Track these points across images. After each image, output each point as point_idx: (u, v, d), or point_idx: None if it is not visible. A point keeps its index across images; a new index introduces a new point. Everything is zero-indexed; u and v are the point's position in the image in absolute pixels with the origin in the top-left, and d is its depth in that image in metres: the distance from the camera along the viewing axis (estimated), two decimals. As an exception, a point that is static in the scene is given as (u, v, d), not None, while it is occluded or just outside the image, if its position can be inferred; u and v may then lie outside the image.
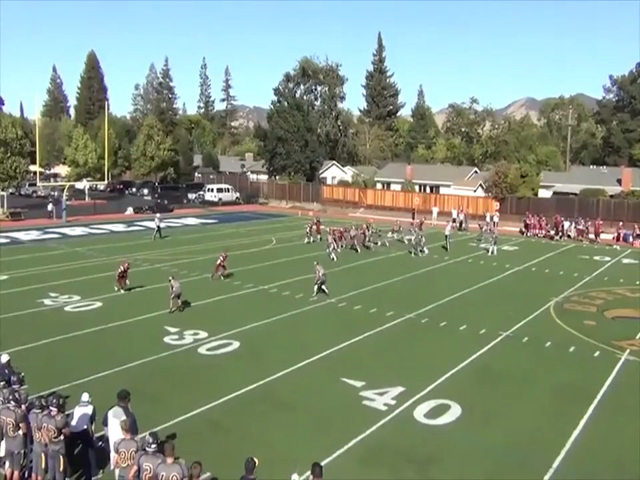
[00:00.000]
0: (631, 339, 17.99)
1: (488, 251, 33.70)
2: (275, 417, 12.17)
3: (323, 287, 22.17)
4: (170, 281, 19.87)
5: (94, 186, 64.28)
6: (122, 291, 22.24)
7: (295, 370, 14.74)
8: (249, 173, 79.70)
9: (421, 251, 32.65)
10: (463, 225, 45.86)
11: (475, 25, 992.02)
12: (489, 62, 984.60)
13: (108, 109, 56.83)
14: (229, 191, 62.04)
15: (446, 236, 35.43)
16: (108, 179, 58.94)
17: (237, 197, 62.22)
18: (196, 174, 76.27)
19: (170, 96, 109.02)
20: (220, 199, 60.18)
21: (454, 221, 47.02)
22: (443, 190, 60.39)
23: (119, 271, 22.31)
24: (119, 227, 41.39)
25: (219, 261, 24.95)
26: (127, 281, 22.52)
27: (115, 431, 9.29)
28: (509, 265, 30.05)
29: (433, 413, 12.44)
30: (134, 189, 68.52)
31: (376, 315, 19.96)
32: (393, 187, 64.01)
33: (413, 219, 49.32)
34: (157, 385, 13.66)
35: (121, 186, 70.28)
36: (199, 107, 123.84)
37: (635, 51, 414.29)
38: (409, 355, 16.14)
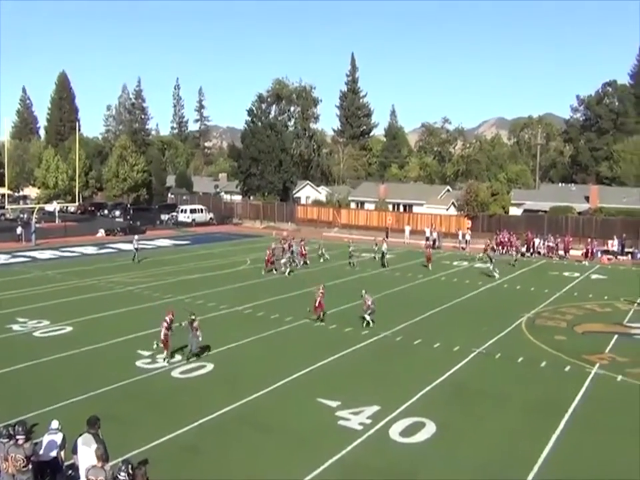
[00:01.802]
0: (601, 352, 18.39)
1: (495, 276, 32.13)
2: (251, 439, 12.11)
3: (369, 317, 20.89)
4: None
5: (64, 208, 63.45)
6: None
7: (270, 391, 14.70)
8: (222, 193, 79.62)
9: (382, 264, 35.10)
10: (437, 243, 46.35)
11: (447, 45, 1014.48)
12: (460, 82, 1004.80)
13: (79, 130, 56.54)
14: (202, 212, 61.83)
15: (383, 252, 35.72)
16: (79, 200, 58.27)
17: (210, 218, 62.02)
18: (169, 195, 75.87)
19: (142, 116, 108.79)
20: (193, 220, 59.91)
21: (427, 239, 47.55)
22: (416, 209, 61.15)
23: (165, 325, 17.12)
24: (90, 250, 40.87)
25: (319, 298, 21.75)
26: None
27: (84, 458, 9.14)
28: (482, 282, 30.49)
29: (408, 431, 12.52)
30: (106, 211, 67.78)
31: (351, 333, 20.04)
32: (366, 206, 64.55)
33: (387, 237, 49.73)
34: (129, 409, 13.48)
35: (93, 208, 69.45)
36: (172, 128, 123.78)
37: (601, 72, 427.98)
38: (384, 374, 16.23)
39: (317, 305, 21.54)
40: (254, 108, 78.95)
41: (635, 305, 25.87)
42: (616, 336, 20.46)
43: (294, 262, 34.11)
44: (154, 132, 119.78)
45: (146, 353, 17.45)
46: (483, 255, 37.59)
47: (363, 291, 21.94)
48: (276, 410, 13.61)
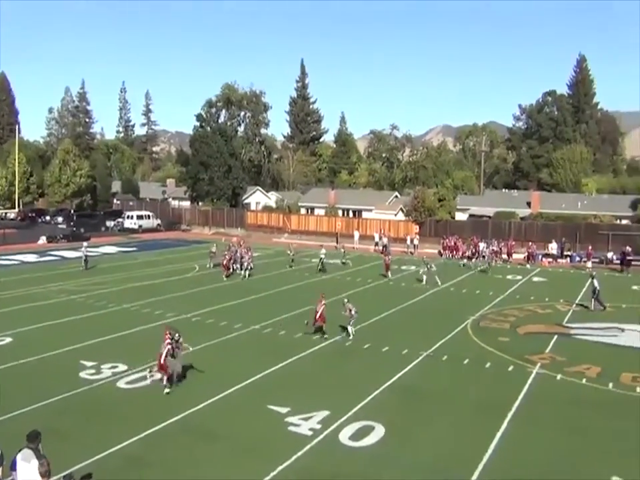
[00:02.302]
0: (542, 353, 19.06)
1: (421, 281, 32.11)
2: (199, 448, 11.95)
3: (350, 328, 20.40)
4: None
5: (3, 215, 60.96)
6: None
7: (219, 399, 14.54)
8: (170, 199, 78.33)
9: (290, 266, 36.16)
10: (387, 249, 46.70)
11: (395, 54, 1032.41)
12: (408, 90, 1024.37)
13: (19, 133, 54.46)
14: (149, 218, 60.64)
15: (320, 258, 35.89)
16: (19, 206, 56.14)
17: (158, 224, 60.89)
18: (114, 200, 74.06)
19: (87, 120, 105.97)
20: (140, 226, 58.68)
21: (376, 244, 48.17)
22: (365, 214, 61.79)
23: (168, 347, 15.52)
24: (31, 257, 39.42)
25: (320, 310, 20.61)
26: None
27: (23, 475, 8.81)
28: (429, 286, 31.09)
29: (357, 435, 12.63)
30: (48, 217, 65.53)
31: (301, 339, 20.06)
32: (316, 211, 64.80)
33: (337, 243, 50.11)
34: (72, 422, 13.06)
35: (34, 214, 66.97)
36: (118, 132, 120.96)
37: (541, 82, 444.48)
38: (335, 378, 16.32)
39: (317, 316, 20.37)
40: (203, 113, 78.29)
41: (574, 306, 26.96)
42: (556, 336, 21.26)
43: (241, 268, 33.99)
44: (99, 136, 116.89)
45: (89, 364, 16.96)
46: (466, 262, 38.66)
47: (345, 300, 21.14)
48: (225, 418, 13.48)
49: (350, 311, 20.38)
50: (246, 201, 71.72)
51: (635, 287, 32.57)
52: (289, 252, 38.32)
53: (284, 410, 13.80)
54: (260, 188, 77.90)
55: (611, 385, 16.04)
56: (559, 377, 16.70)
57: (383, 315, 24.22)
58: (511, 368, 17.46)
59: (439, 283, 31.42)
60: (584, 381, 16.39)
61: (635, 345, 20.50)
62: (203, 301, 26.05)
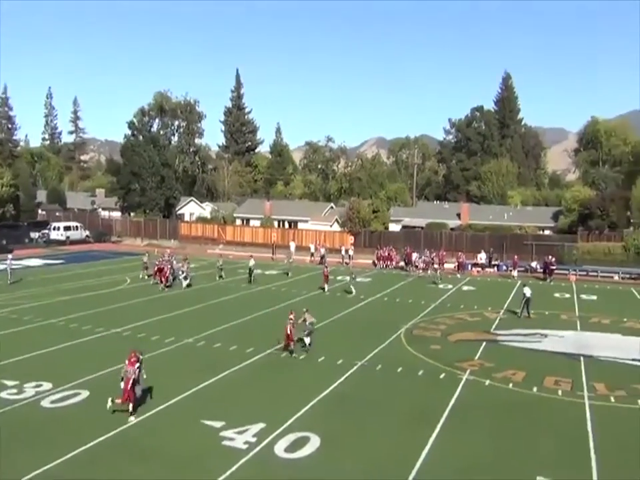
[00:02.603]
0: (471, 359, 19.73)
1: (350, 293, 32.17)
2: (130, 468, 11.59)
3: (307, 339, 19.94)
4: None
5: None
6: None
7: (150, 416, 14.17)
8: (100, 209, 75.86)
9: (220, 276, 35.81)
10: (324, 259, 46.80)
11: (331, 67, 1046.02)
12: (343, 103, 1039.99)
13: None
14: (77, 229, 58.43)
15: (250, 269, 35.53)
16: None
17: (87, 235, 58.77)
18: (39, 211, 70.95)
19: (10, 126, 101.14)
20: (68, 238, 56.46)
21: (312, 255, 48.41)
22: (301, 225, 62.09)
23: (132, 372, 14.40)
24: (-53, 271, 37.04)
25: (289, 327, 19.64)
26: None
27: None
28: (364, 296, 31.56)
29: (293, 447, 12.62)
30: (-34, 229, 61.82)
31: (236, 352, 19.86)
32: (252, 222, 64.56)
33: (274, 254, 50.03)
34: (-8, 445, 12.38)
35: (-50, 225, 63.07)
36: (44, 139, 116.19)
37: (470, 97, 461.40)
38: (270, 390, 16.25)
39: (287, 334, 19.55)
40: (135, 121, 76.42)
41: (501, 313, 28.06)
42: (484, 343, 22.05)
43: (174, 279, 33.47)
44: (23, 143, 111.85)
45: (11, 383, 16.13)
46: (431, 273, 39.09)
47: (304, 309, 20.97)
48: (157, 435, 13.16)
49: (305, 320, 20.18)
50: (180, 212, 70.47)
51: (556, 295, 34.27)
52: (218, 263, 37.85)
53: (218, 424, 13.61)
54: (194, 199, 76.77)
55: (535, 388, 16.79)
56: (487, 382, 17.32)
57: (318, 325, 24.28)
58: (442, 375, 17.95)
59: (353, 292, 32.02)
60: (510, 385, 17.07)
61: (557, 349, 21.57)
62: (134, 314, 25.33)
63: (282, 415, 14.19)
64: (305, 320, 20.25)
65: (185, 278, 33.31)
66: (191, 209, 73.53)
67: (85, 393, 15.58)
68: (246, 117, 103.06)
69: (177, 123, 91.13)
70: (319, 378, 17.31)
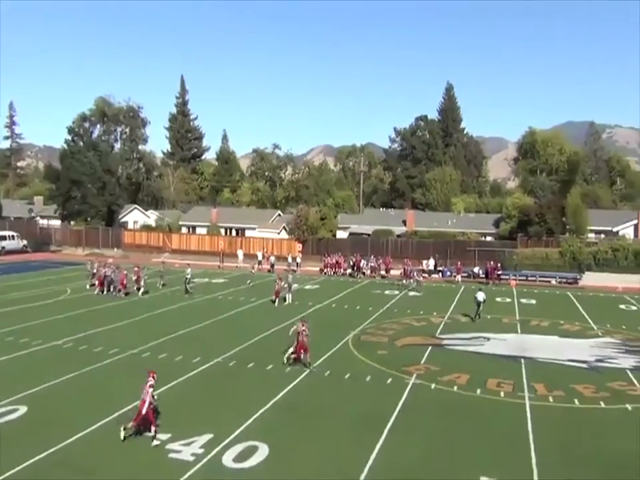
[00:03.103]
0: (418, 364, 20.10)
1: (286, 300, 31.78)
2: (70, 485, 11.19)
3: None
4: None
5: None
6: None
7: (94, 430, 13.74)
8: (38, 217, 73.12)
9: (163, 284, 35.07)
10: (275, 267, 46.52)
11: (278, 73, 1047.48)
12: (290, 110, 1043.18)
13: None
14: (14, 239, 56.15)
15: (187, 278, 34.01)
16: None
17: (24, 245, 56.57)
18: (-28, 220, 67.77)
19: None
20: (3, 248, 54.16)
21: (259, 263, 48.20)
22: (248, 233, 61.76)
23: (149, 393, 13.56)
24: None
25: (302, 337, 18.89)
26: None
27: None
28: (312, 303, 31.66)
29: (241, 457, 12.51)
30: None
31: (182, 362, 19.54)
32: (198, 230, 63.77)
33: (222, 262, 49.56)
34: None
35: None
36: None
37: (415, 106, 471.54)
38: (218, 400, 16.06)
39: (298, 346, 19.02)
40: (75, 126, 74.24)
41: (445, 318, 28.72)
42: (430, 347, 22.53)
43: (114, 289, 32.79)
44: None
45: (-58, 401, 15.31)
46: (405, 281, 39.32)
47: (299, 322, 20.14)
48: (99, 451, 12.76)
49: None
50: (123, 220, 68.81)
51: (498, 299, 35.39)
52: (159, 271, 36.99)
53: (164, 437, 13.34)
54: (138, 206, 75.13)
55: (479, 390, 17.26)
56: (433, 386, 17.68)
57: (267, 333, 24.26)
58: (389, 380, 18.20)
59: (289, 300, 31.53)
60: (455, 388, 17.49)
61: (499, 352, 22.27)
62: (75, 325, 24.53)
63: (230, 425, 14.05)
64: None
65: (138, 289, 32.92)
66: (135, 216, 71.93)
67: (22, 409, 14.96)
68: (191, 123, 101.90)
69: (119, 129, 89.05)
70: (267, 386, 17.24)
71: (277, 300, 31.04)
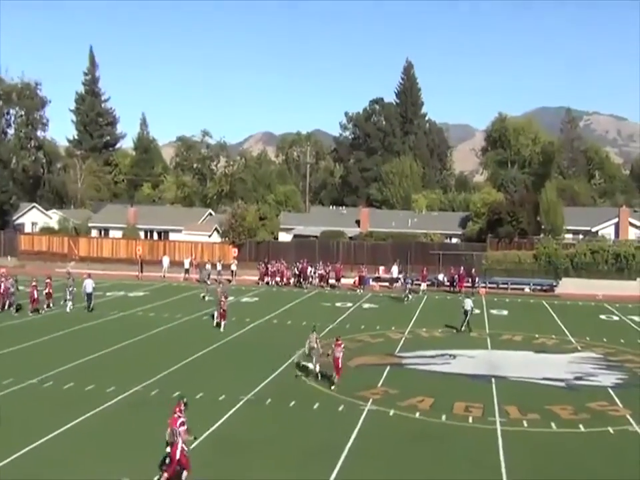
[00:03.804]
0: (373, 387, 20.34)
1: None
2: None
3: (316, 367, 21.19)
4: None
5: None
6: None
7: (-18, 478, 13.25)
8: None
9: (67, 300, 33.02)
10: (211, 276, 45.64)
11: (207, 48, 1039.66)
12: (222, 92, 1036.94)
13: None
14: None
15: (88, 294, 32.97)
16: None
17: None
18: None
19: None
20: None
21: (187, 271, 47.65)
22: (173, 236, 61.01)
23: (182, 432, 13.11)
24: None
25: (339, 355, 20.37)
26: None
27: None
28: (249, 319, 31.57)
29: (166, 503, 12.32)
30: None
31: (93, 392, 19.11)
32: (112, 233, 62.58)
33: (141, 272, 48.73)
34: None
35: None
36: None
37: (369, 88, 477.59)
38: (138, 436, 15.76)
39: (338, 364, 20.19)
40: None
41: (406, 333, 29.20)
42: (388, 367, 22.86)
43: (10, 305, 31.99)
44: None
45: None
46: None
47: (313, 333, 22.05)
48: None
49: (313, 343, 21.55)
50: (18, 222, 66.74)
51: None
52: (67, 280, 35.65)
53: (72, 482, 13.01)
54: (37, 205, 72.99)
55: (444, 416, 17.62)
56: (391, 412, 17.94)
57: (197, 354, 24.05)
58: (341, 407, 18.33)
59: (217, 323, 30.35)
60: (417, 414, 17.79)
61: (467, 371, 22.83)
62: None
63: (152, 467, 13.82)
64: (311, 341, 21.74)
65: (49, 305, 32.65)
66: (34, 217, 69.83)
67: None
68: (103, 105, 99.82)
69: (13, 111, 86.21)
70: (197, 418, 16.94)
71: (223, 323, 29.10)
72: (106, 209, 71.38)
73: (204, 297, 37.48)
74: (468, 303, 29.83)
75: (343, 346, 20.60)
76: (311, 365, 21.68)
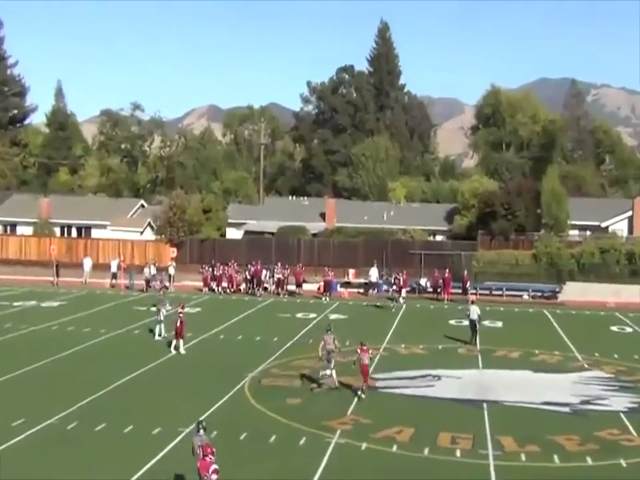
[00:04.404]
0: (342, 416, 20.35)
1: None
2: None
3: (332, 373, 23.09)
4: None
5: None
6: None
7: None
8: None
9: None
10: (151, 283, 44.91)
11: (138, 8, 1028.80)
12: (157, 58, 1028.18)
13: None
14: None
15: None
16: None
17: None
18: None
19: None
20: None
21: (114, 276, 47.14)
22: (96, 232, 60.40)
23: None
24: None
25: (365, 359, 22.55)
26: None
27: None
28: (191, 334, 31.28)
29: None
30: None
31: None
32: (20, 229, 61.81)
33: (57, 276, 48.07)
34: None
35: None
36: None
37: (336, 54, 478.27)
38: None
39: (365, 371, 22.46)
40: None
41: (381, 350, 29.29)
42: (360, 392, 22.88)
43: None
44: None
45: None
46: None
47: (329, 333, 23.90)
48: None
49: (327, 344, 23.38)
50: None
51: (452, 322, 36.55)
52: None
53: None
54: None
55: (426, 450, 17.70)
56: (364, 446, 17.94)
57: (124, 379, 23.79)
58: (303, 440, 18.29)
59: (158, 335, 30.73)
60: (395, 448, 17.84)
61: (454, 395, 22.98)
62: None
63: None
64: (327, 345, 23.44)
65: None
66: None
67: None
68: (9, 71, 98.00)
69: None
70: (126, 456, 16.88)
71: (180, 343, 28.16)
72: (12, 199, 70.31)
73: (159, 310, 32.57)
74: (474, 312, 30.50)
75: (370, 352, 22.90)
76: (328, 372, 23.31)
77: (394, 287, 41.95)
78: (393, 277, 44.36)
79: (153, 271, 46.05)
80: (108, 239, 56.49)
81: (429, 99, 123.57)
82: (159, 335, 30.85)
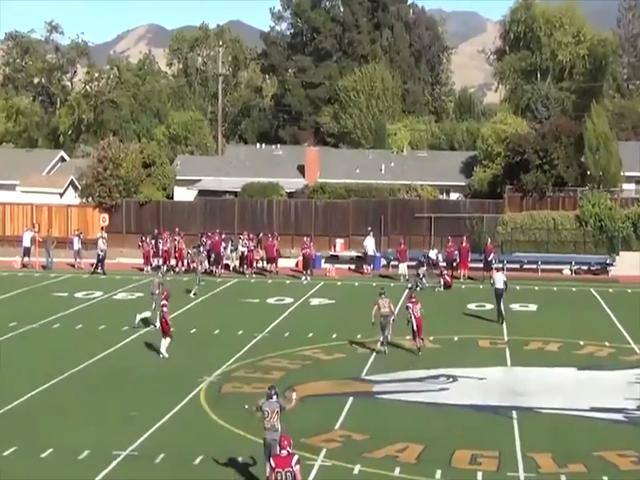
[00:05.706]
0: (328, 431, 20.33)
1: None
2: None
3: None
4: None
5: None
6: None
7: None
8: None
9: None
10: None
11: None
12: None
13: None
14: None
15: None
16: None
17: None
18: None
19: None
20: None
21: (27, 252, 46.95)
22: (1, 195, 59.96)
23: None
24: None
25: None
26: None
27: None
28: (128, 327, 31.34)
29: None
30: None
31: None
32: None
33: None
34: None
35: None
36: None
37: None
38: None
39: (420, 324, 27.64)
40: None
41: (379, 344, 29.27)
42: (351, 399, 22.92)
43: None
44: None
45: None
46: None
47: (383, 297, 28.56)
48: None
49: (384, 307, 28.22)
50: None
51: (470, 305, 36.61)
52: None
53: None
54: None
55: (439, 472, 17.74)
56: (357, 468, 17.96)
57: (42, 387, 23.82)
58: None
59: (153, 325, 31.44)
60: (397, 471, 17.84)
61: (473, 401, 23.00)
62: None
63: None
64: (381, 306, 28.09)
65: None
66: None
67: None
68: None
69: None
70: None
71: (169, 342, 27.93)
72: None
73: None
74: (499, 279, 31.88)
75: (420, 305, 27.97)
76: (382, 337, 27.82)
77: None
78: (431, 255, 44.99)
79: (78, 245, 45.82)
80: (17, 203, 56.03)
81: (440, 13, 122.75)
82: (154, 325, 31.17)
